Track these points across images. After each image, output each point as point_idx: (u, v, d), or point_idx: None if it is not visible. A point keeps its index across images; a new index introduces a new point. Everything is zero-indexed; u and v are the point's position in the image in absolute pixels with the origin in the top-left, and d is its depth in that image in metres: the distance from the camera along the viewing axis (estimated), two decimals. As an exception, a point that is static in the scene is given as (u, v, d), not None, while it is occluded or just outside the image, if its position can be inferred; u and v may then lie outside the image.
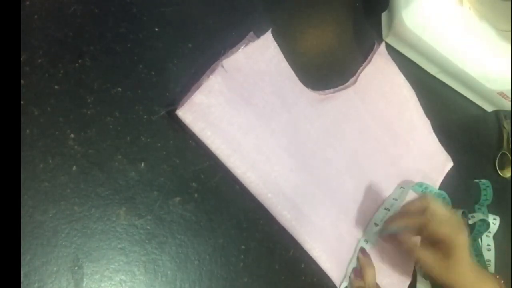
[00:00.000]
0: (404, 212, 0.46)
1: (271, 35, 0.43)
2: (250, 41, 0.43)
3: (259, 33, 0.44)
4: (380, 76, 0.54)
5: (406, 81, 0.57)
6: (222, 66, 0.39)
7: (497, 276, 0.47)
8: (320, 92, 0.48)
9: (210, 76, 0.38)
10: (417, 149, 0.56)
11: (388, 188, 0.52)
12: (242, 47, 0.41)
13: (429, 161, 0.58)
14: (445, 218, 0.43)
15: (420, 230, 0.44)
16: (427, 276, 0.49)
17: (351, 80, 0.52)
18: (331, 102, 0.48)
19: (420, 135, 0.57)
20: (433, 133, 0.59)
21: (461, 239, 0.42)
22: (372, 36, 0.57)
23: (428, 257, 0.43)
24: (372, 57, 0.54)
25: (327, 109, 0.47)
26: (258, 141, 0.41)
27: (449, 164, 0.60)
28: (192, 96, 0.37)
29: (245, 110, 0.40)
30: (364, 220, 0.48)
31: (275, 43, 0.44)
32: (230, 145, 0.38)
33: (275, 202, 0.41)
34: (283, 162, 0.42)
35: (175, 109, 0.36)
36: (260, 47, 0.43)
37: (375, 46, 0.56)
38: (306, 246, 0.43)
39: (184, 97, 0.38)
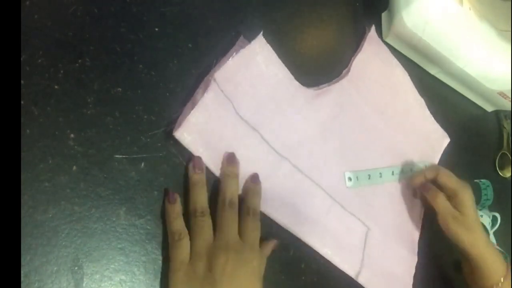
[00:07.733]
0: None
1: (262, 38, 0.42)
2: (241, 47, 0.42)
3: (253, 34, 0.43)
4: (372, 62, 0.54)
5: (398, 63, 0.57)
6: (215, 80, 0.39)
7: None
8: (315, 88, 0.48)
9: (205, 94, 0.38)
10: (414, 130, 0.57)
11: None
12: (232, 56, 0.40)
13: (426, 140, 0.58)
14: (454, 179, 0.50)
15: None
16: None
17: (344, 71, 0.52)
18: (327, 96, 0.48)
19: (416, 115, 0.58)
20: (428, 112, 0.59)
21: (466, 195, 0.48)
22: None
23: (447, 205, 0.48)
24: (363, 44, 0.54)
25: (323, 104, 0.47)
26: (250, 152, 0.41)
27: (446, 140, 0.60)
28: (188, 116, 0.37)
29: (236, 122, 0.40)
30: (366, 204, 0.49)
31: (268, 45, 0.43)
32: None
33: (273, 211, 0.41)
34: (277, 168, 0.42)
35: (172, 129, 0.36)
36: (251, 52, 0.42)
37: (366, 31, 0.55)
38: (315, 246, 0.43)
39: (179, 117, 0.37)
